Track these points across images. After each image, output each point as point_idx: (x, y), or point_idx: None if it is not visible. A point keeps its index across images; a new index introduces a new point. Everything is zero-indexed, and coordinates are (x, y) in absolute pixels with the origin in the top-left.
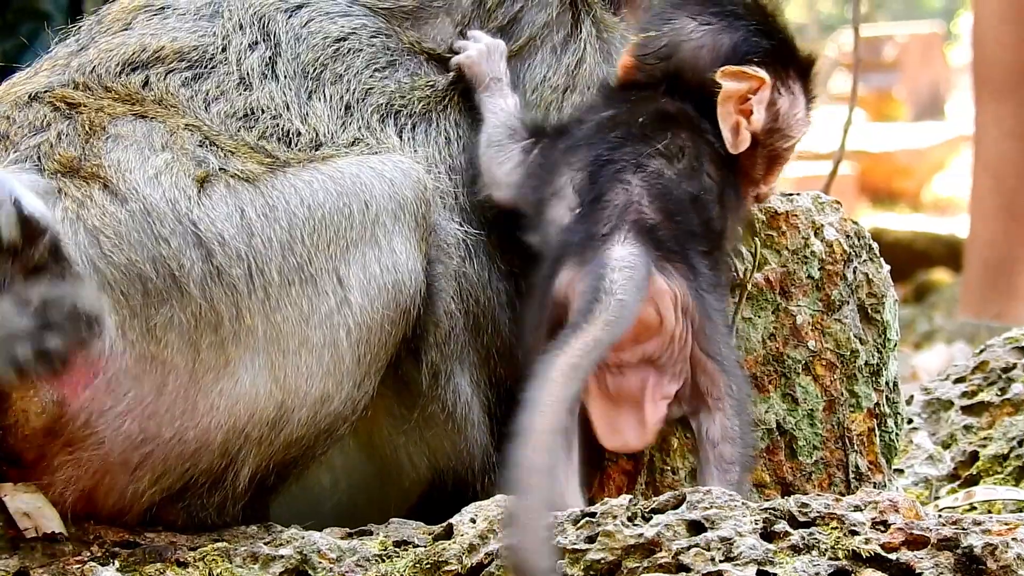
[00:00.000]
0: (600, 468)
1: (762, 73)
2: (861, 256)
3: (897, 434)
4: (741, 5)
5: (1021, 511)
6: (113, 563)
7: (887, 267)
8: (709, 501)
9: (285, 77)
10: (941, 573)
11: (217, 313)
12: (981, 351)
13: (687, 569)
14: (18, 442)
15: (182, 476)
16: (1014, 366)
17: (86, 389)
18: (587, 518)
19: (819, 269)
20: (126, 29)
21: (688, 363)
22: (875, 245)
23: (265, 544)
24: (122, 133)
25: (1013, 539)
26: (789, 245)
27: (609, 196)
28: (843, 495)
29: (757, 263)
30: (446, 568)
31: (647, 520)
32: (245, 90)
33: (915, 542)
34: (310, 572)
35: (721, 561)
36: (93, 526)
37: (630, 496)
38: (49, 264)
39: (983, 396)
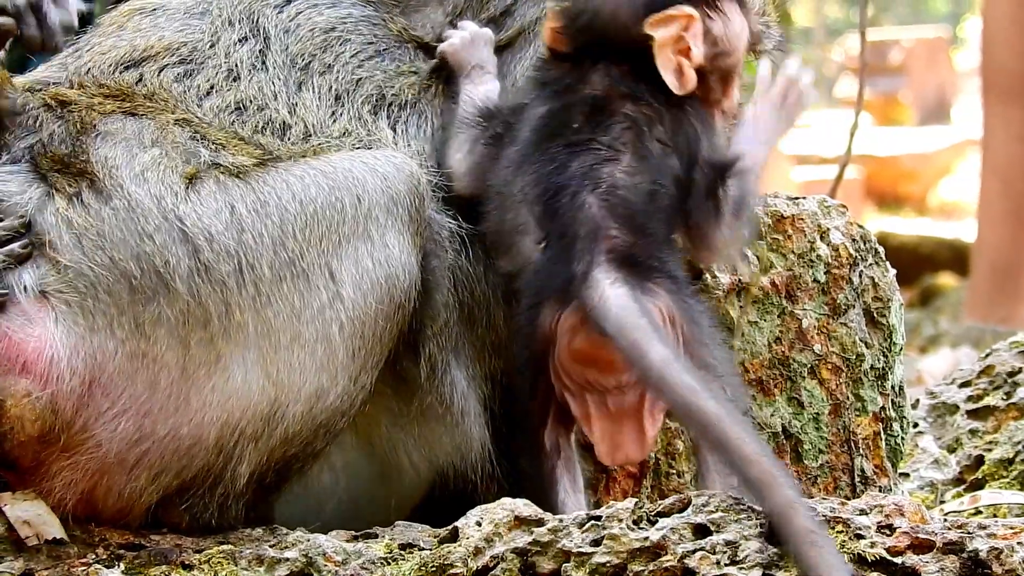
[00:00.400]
0: (605, 471)
1: (687, 9)
2: (867, 260)
3: (903, 438)
4: None
5: None
6: (118, 565)
7: (893, 271)
8: (715, 504)
9: (274, 68)
10: None
11: (205, 309)
12: (987, 355)
13: (692, 572)
14: (14, 449)
15: (179, 474)
16: (1020, 370)
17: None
18: (592, 521)
19: (825, 273)
20: (120, 31)
21: None
22: (881, 249)
23: (270, 547)
24: (111, 130)
25: (1018, 543)
26: (795, 249)
27: (574, 228)
28: (849, 499)
29: (763, 266)
30: (452, 571)
31: (652, 523)
32: (235, 82)
33: (920, 546)
34: (315, 575)
35: (727, 565)
36: (98, 529)
37: (635, 499)
38: None
39: (989, 400)
